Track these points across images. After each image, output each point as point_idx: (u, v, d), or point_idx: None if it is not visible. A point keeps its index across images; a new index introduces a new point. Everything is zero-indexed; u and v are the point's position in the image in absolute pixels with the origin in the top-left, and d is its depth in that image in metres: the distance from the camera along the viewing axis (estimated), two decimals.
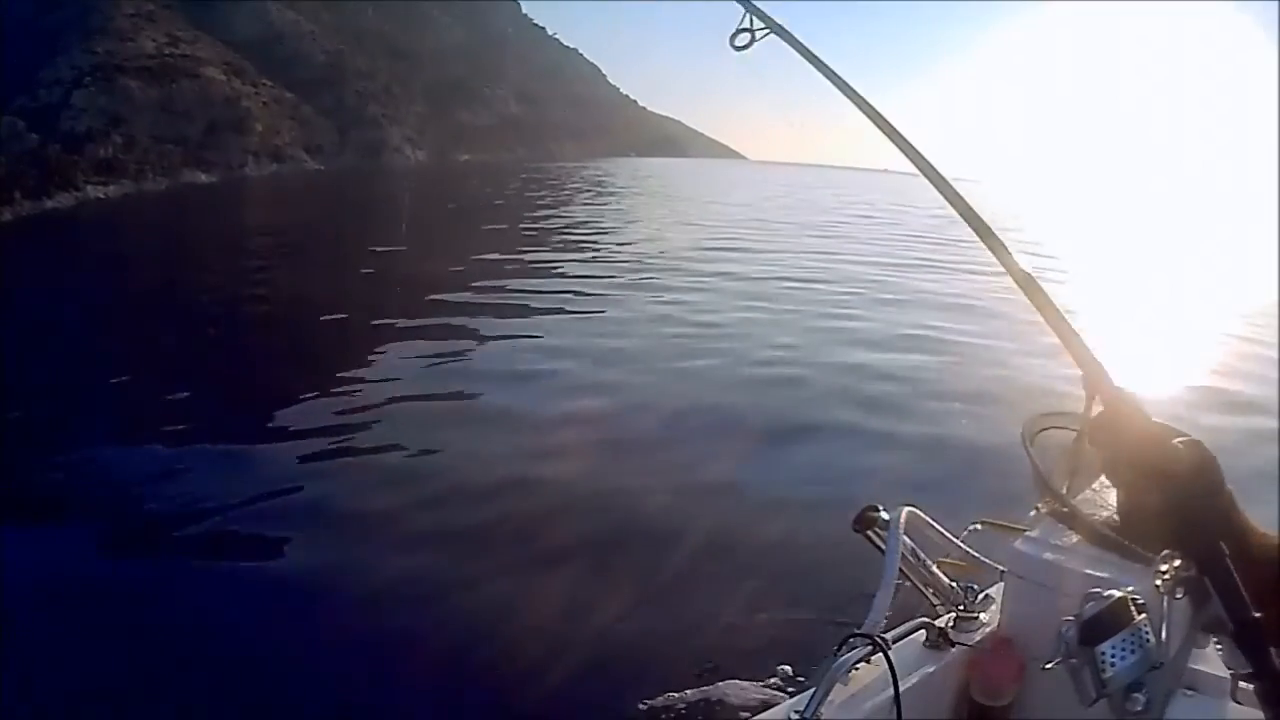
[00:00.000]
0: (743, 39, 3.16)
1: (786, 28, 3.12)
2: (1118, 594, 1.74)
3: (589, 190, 76.43)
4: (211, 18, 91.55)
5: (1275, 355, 20.15)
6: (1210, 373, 18.88)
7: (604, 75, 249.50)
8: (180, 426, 12.43)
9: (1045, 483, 3.95)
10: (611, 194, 74.10)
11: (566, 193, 70.71)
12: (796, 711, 2.87)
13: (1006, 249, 2.19)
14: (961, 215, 2.35)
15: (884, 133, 2.56)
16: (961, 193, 2.47)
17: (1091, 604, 1.78)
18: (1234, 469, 1.84)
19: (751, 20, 3.16)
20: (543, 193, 68.45)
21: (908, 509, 3.61)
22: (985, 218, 2.46)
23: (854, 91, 2.77)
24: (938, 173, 2.41)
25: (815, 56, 2.98)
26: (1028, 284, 2.18)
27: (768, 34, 3.16)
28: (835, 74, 2.86)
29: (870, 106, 2.64)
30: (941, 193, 2.41)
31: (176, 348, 16.80)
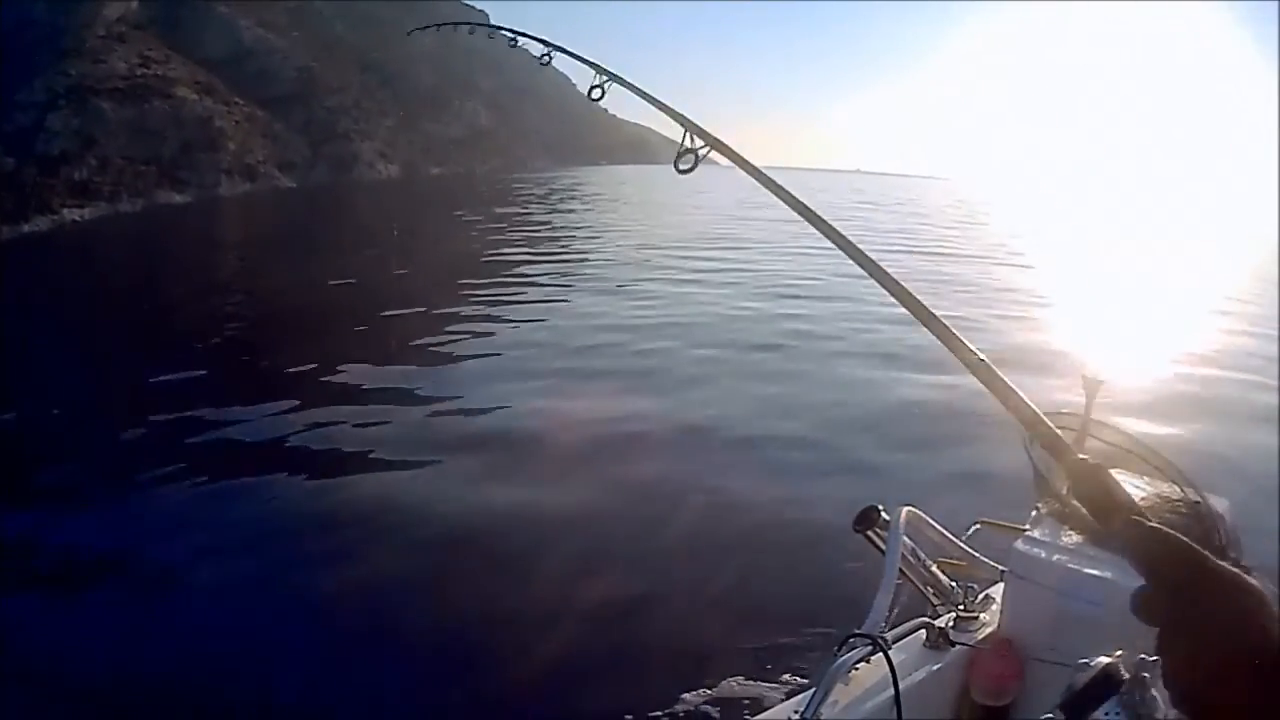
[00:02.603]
0: (687, 161, 3.26)
1: (723, 140, 3.24)
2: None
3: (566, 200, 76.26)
4: (182, 37, 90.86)
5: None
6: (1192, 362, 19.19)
7: (574, 84, 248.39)
8: (159, 440, 12.51)
9: (1045, 483, 4.04)
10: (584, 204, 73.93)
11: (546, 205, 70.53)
12: (797, 711, 2.96)
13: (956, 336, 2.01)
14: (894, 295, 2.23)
15: (819, 229, 2.52)
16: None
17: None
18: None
19: (693, 140, 3.26)
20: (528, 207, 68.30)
21: (908, 509, 3.70)
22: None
23: (789, 194, 2.79)
24: (859, 251, 2.33)
25: (753, 166, 3.02)
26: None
27: (709, 151, 3.25)
28: (772, 180, 2.91)
29: (804, 205, 2.65)
30: (863, 267, 2.35)
31: (158, 365, 16.81)
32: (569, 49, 4.50)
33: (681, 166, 3.24)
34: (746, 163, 3.03)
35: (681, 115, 3.35)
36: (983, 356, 2.01)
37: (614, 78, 3.80)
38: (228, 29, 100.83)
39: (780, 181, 2.75)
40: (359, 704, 6.63)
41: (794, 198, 2.74)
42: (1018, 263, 40.04)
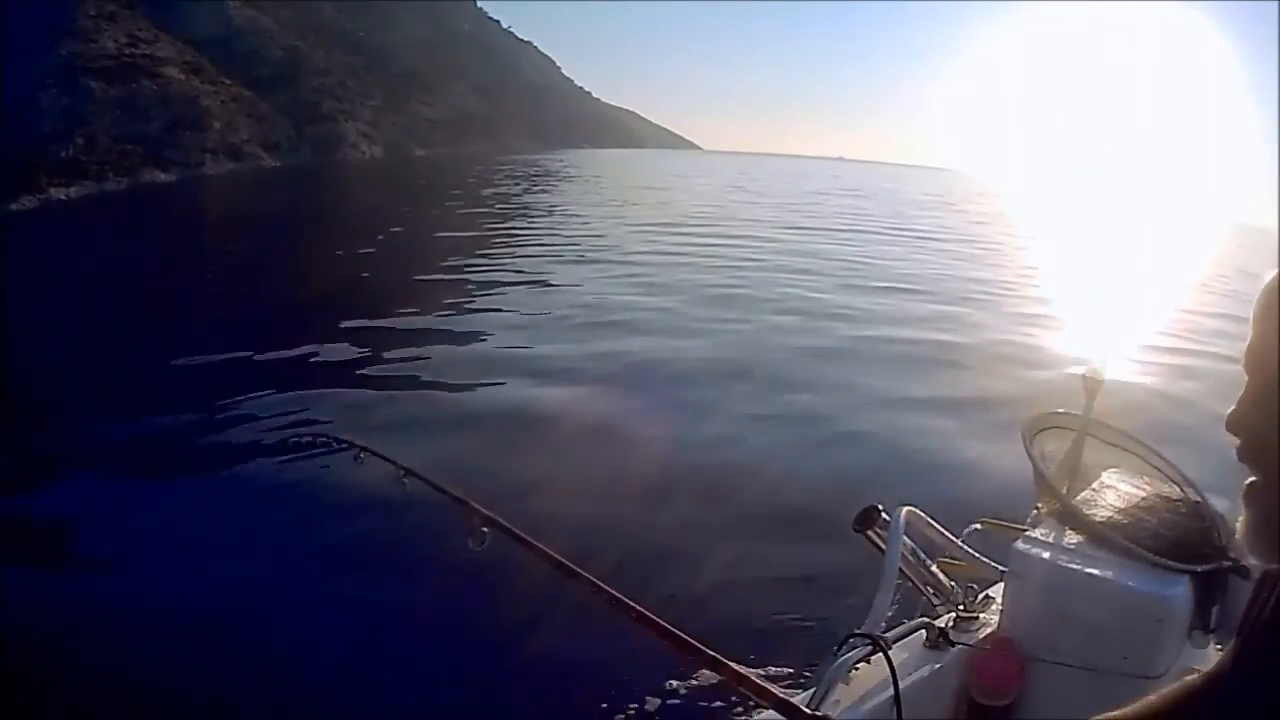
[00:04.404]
0: (477, 540, 3.55)
1: (503, 522, 3.53)
2: None
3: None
4: (172, 16, 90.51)
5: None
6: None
7: (559, 68, 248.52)
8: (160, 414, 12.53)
9: (1045, 483, 4.05)
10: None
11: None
12: None
13: None
14: None
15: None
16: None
17: None
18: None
19: (475, 519, 3.56)
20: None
21: (908, 509, 3.70)
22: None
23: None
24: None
25: (535, 544, 3.39)
26: None
27: (491, 531, 3.55)
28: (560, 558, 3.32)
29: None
30: None
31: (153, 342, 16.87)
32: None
33: (473, 546, 3.51)
34: (532, 543, 3.45)
35: (466, 500, 3.65)
36: None
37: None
38: (217, 9, 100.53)
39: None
40: (357, 681, 6.65)
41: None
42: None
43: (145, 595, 7.74)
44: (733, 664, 2.57)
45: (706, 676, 6.11)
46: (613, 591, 2.99)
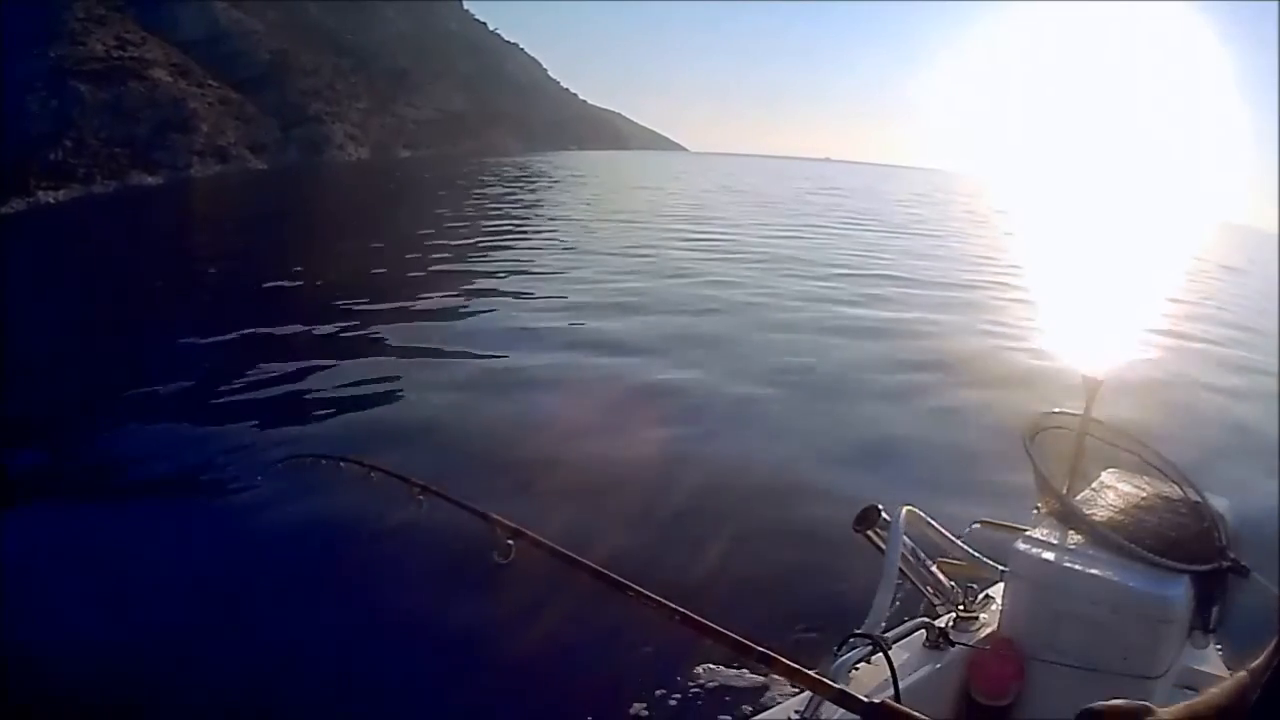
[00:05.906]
0: (504, 552, 3.54)
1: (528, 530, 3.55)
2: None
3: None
4: (160, 19, 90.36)
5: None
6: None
7: (545, 70, 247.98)
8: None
9: (1045, 483, 4.07)
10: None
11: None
12: (797, 711, 2.98)
13: None
14: None
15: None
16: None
17: None
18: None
19: (501, 533, 3.56)
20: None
21: (907, 509, 3.72)
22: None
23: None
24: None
25: (564, 552, 3.37)
26: None
27: (515, 543, 3.54)
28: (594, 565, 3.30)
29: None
30: None
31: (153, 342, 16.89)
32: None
33: (499, 560, 3.49)
34: (555, 548, 3.44)
35: (488, 514, 3.64)
36: None
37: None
38: (204, 11, 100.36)
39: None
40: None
41: None
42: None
43: (145, 623, 7.64)
44: (784, 659, 2.54)
45: (746, 668, 6.14)
46: (651, 594, 2.97)
